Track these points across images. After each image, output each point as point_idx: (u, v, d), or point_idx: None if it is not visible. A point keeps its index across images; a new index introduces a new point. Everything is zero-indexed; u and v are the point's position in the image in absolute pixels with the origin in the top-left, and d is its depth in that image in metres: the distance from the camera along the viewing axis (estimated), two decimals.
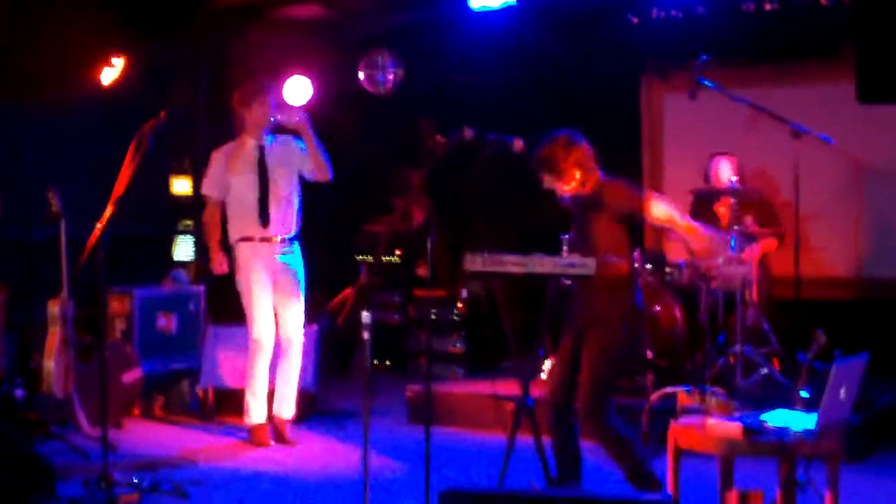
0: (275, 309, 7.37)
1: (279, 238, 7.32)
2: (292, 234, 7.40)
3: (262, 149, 7.32)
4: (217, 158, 7.43)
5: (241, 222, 7.34)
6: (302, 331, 7.46)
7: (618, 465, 5.66)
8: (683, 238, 5.84)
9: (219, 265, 7.41)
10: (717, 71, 7.96)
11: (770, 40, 8.78)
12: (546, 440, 5.62)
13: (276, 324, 7.37)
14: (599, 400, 5.57)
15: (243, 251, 7.32)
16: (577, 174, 5.64)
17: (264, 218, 7.27)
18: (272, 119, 7.28)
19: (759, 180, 8.59)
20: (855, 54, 4.78)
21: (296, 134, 7.36)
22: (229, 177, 7.35)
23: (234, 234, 7.39)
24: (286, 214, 7.35)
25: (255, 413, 7.36)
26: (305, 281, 7.44)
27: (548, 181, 5.70)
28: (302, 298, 7.42)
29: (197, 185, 9.41)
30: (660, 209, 5.61)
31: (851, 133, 8.57)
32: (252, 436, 7.35)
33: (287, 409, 7.45)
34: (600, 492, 5.96)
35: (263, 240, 7.29)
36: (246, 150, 7.36)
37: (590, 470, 6.25)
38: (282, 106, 7.42)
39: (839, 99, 8.24)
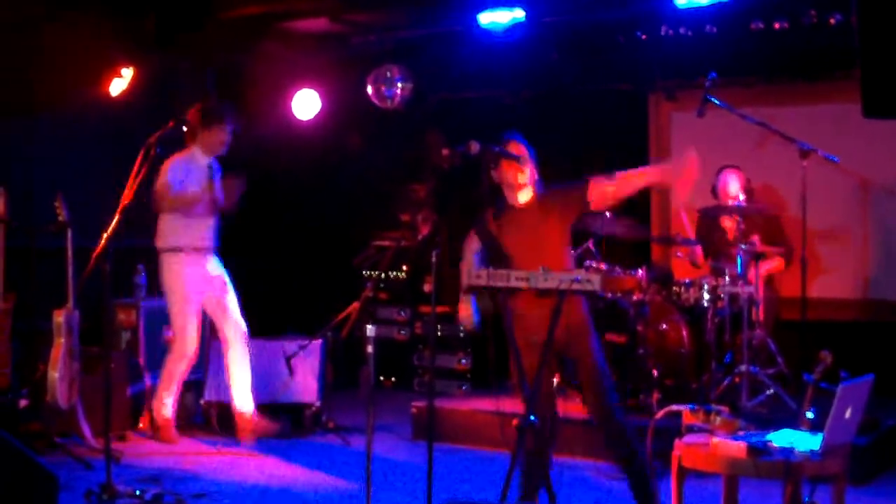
0: (214, 311, 7.68)
1: (211, 248, 7.68)
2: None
3: (212, 168, 7.65)
4: (175, 167, 7.53)
5: (182, 231, 7.54)
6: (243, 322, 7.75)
7: (625, 469, 5.64)
8: (630, 186, 5.80)
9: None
10: (726, 89, 7.94)
11: (778, 59, 8.78)
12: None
13: (225, 321, 7.66)
14: (611, 402, 5.66)
15: (177, 259, 7.54)
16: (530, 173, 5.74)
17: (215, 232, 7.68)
18: (224, 147, 7.64)
19: (767, 199, 8.57)
20: (860, 70, 4.76)
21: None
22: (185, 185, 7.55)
23: (170, 242, 7.57)
24: (217, 229, 7.73)
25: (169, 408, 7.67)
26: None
27: (517, 179, 5.71)
28: (234, 295, 7.70)
29: None
30: (597, 191, 5.63)
31: (859, 153, 8.56)
32: (162, 433, 7.63)
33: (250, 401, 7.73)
34: None
35: (197, 250, 7.57)
36: (199, 165, 7.61)
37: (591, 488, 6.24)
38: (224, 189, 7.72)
39: (847, 118, 8.23)
